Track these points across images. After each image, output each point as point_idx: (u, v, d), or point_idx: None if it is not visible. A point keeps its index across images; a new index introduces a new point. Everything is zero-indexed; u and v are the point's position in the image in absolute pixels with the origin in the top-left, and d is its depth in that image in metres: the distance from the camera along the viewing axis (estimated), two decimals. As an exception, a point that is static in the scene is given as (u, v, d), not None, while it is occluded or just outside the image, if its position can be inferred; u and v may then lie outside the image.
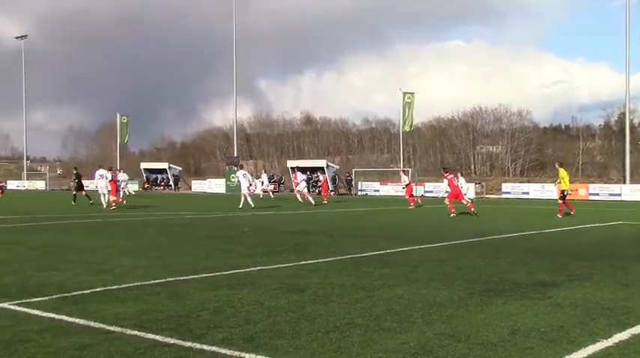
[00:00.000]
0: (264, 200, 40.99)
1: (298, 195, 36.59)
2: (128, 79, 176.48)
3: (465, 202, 26.64)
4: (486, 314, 7.10)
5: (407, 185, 34.90)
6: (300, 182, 36.74)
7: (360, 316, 6.96)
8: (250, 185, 33.76)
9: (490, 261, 11.59)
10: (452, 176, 26.79)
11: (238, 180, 32.26)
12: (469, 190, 41.43)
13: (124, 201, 33.87)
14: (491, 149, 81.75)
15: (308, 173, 51.03)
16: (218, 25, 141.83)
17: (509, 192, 55.28)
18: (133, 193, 50.15)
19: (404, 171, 37.58)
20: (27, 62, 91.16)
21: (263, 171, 58.21)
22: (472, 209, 26.15)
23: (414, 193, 34.84)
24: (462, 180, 36.34)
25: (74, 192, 36.39)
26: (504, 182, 60.89)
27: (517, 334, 6.26)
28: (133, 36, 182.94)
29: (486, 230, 18.58)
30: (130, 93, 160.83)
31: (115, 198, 31.89)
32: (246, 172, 32.72)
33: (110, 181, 32.28)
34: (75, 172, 39.66)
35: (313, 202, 35.07)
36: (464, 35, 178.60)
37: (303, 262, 11.21)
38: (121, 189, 33.87)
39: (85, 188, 37.21)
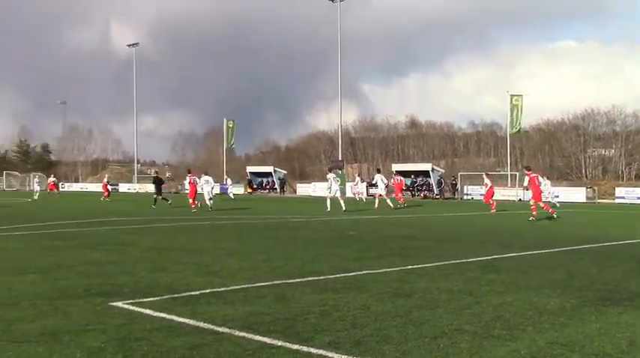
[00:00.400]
0: (357, 203, 40.98)
1: (384, 199, 36.14)
2: (235, 84, 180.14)
3: (541, 205, 25.90)
4: (602, 324, 6.81)
5: (488, 188, 33.71)
6: (378, 185, 36.66)
7: (468, 322, 6.82)
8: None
9: (603, 269, 11.15)
10: (535, 175, 26.19)
11: (330, 184, 32.45)
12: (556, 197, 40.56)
13: (199, 204, 33.96)
14: (603, 152, 78.89)
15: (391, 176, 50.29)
16: (323, 28, 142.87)
17: (623, 197, 53.09)
18: (233, 197, 51.23)
19: (487, 174, 36.58)
20: (138, 69, 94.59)
21: (357, 174, 58.43)
22: (552, 212, 25.91)
23: (493, 198, 33.67)
24: (546, 182, 35.35)
25: (154, 196, 37.79)
26: (618, 186, 58.64)
27: (635, 346, 5.98)
28: (239, 40, 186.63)
29: (598, 236, 17.92)
30: (237, 98, 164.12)
31: (192, 201, 32.80)
32: (336, 176, 32.88)
33: (190, 183, 33.50)
34: (155, 176, 41.61)
35: (392, 205, 34.74)
36: (574, 35, 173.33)
37: (409, 266, 11.10)
38: (207, 193, 34.61)
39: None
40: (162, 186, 39.87)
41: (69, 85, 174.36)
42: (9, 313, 7.19)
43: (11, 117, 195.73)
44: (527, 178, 25.84)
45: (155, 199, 37.13)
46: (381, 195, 35.83)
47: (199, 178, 34.33)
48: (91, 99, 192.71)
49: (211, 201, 33.47)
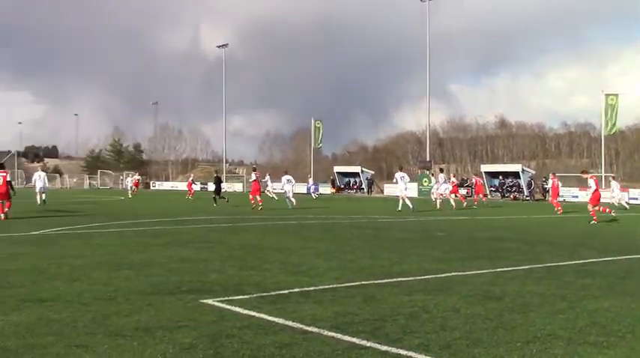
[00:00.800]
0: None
1: (446, 199, 36.09)
2: (322, 84, 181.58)
3: (597, 208, 24.91)
4: None
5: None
6: (440, 184, 36.45)
7: (561, 327, 6.62)
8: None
9: None
10: (595, 178, 26.09)
11: (396, 182, 32.50)
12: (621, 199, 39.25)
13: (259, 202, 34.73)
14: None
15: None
16: (411, 27, 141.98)
17: None
18: (315, 197, 51.54)
19: (553, 174, 35.63)
20: (227, 70, 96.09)
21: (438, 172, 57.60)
22: (610, 212, 25.86)
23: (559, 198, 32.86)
24: (614, 184, 34.09)
25: (214, 196, 38.60)
26: None
27: None
28: (326, 41, 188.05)
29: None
30: (324, 98, 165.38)
31: (252, 198, 33.38)
32: (404, 175, 32.66)
33: (254, 181, 33.96)
34: (215, 176, 43.85)
35: (454, 205, 34.79)
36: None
37: (500, 269, 10.87)
38: (288, 192, 35.40)
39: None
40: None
41: (160, 85, 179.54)
42: (105, 308, 7.40)
43: (105, 117, 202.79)
44: (592, 181, 25.26)
45: (215, 198, 37.92)
46: (441, 195, 35.91)
47: (282, 177, 35.41)
48: (181, 99, 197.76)
49: (293, 200, 34.28)
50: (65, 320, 6.78)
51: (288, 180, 35.67)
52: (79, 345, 5.80)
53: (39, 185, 33.57)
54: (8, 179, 23.33)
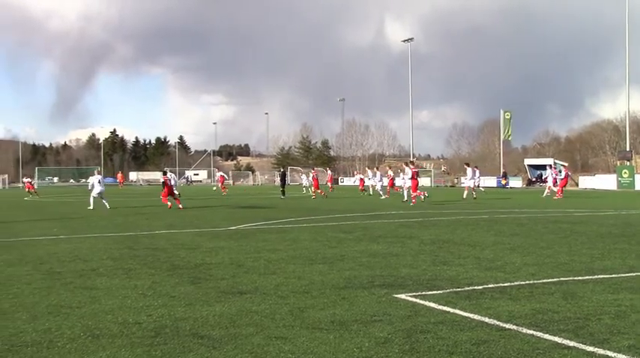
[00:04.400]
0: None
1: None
2: (511, 74, 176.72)
3: None
4: None
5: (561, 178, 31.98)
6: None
7: None
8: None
9: None
10: None
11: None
12: None
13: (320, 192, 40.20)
14: None
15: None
16: (607, 12, 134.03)
17: None
18: (483, 189, 50.14)
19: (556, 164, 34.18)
20: (413, 63, 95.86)
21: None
22: None
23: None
24: None
25: (281, 189, 43.42)
26: None
27: None
28: (514, 29, 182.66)
29: None
30: (513, 88, 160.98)
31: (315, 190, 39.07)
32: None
33: (314, 178, 39.98)
34: (281, 171, 48.81)
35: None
36: None
37: None
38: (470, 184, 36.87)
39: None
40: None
41: (346, 82, 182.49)
42: (301, 301, 7.58)
43: (294, 115, 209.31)
44: None
45: (283, 191, 42.35)
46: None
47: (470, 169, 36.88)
48: (367, 95, 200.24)
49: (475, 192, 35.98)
50: (264, 311, 7.01)
51: (473, 172, 36.96)
52: (278, 337, 5.97)
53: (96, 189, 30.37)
54: (172, 182, 28.67)
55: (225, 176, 60.01)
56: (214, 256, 11.76)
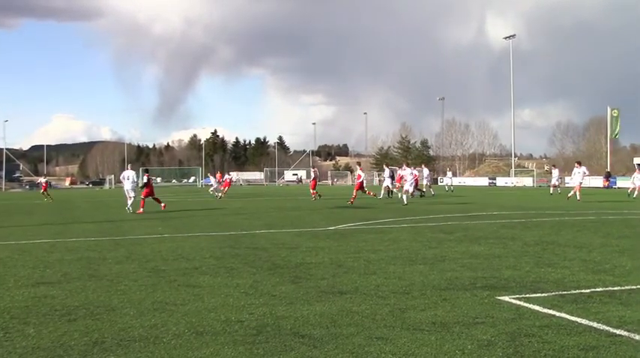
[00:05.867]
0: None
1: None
2: (618, 71, 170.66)
3: None
4: None
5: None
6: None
7: None
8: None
9: None
10: None
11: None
12: None
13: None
14: None
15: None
16: None
17: None
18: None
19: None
20: (514, 61, 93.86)
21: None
22: None
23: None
24: None
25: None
26: None
27: None
28: (621, 24, 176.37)
29: None
30: (621, 85, 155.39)
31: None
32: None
33: (358, 178, 34.82)
34: (390, 169, 45.02)
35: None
36: None
37: None
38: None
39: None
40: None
41: (446, 81, 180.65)
42: (402, 301, 7.52)
43: (393, 115, 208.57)
44: None
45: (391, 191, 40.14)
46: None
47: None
48: (467, 94, 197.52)
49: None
50: (364, 312, 6.99)
51: (583, 172, 34.86)
52: (379, 337, 5.93)
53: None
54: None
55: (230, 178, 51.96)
56: (314, 256, 11.83)
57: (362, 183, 33.94)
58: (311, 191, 39.43)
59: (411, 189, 32.91)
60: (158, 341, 5.93)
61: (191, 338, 6.02)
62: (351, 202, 31.72)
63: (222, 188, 46.47)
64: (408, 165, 36.17)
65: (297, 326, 6.39)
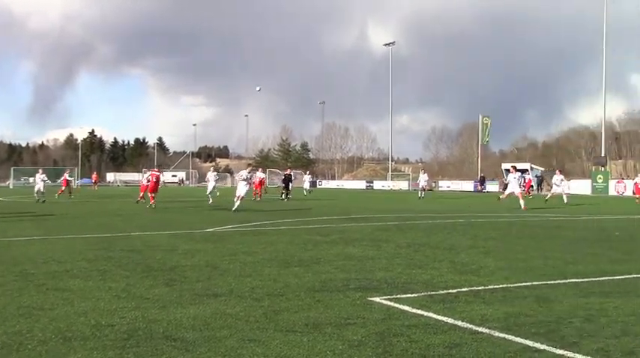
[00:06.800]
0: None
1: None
2: (489, 79, 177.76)
3: None
4: None
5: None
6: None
7: None
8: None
9: None
10: None
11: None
12: None
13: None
14: None
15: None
16: (586, 17, 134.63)
17: None
18: (305, 193, 50.54)
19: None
20: (394, 68, 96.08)
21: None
22: None
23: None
24: None
25: (282, 191, 43.78)
26: None
27: None
28: (495, 35, 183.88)
29: None
30: (491, 94, 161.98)
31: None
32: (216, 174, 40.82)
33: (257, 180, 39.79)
34: (286, 174, 47.14)
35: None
36: None
37: (686, 271, 10.11)
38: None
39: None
40: None
41: (327, 85, 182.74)
42: (276, 303, 7.58)
43: (274, 118, 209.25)
44: None
45: (284, 193, 42.73)
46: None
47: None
48: (347, 98, 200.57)
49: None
50: (238, 314, 7.00)
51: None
52: (252, 339, 5.97)
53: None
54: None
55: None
56: (190, 258, 11.72)
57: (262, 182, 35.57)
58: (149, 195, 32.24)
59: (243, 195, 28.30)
60: (22, 348, 5.73)
61: (58, 344, 5.85)
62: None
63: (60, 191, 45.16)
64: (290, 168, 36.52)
65: (170, 330, 6.33)
